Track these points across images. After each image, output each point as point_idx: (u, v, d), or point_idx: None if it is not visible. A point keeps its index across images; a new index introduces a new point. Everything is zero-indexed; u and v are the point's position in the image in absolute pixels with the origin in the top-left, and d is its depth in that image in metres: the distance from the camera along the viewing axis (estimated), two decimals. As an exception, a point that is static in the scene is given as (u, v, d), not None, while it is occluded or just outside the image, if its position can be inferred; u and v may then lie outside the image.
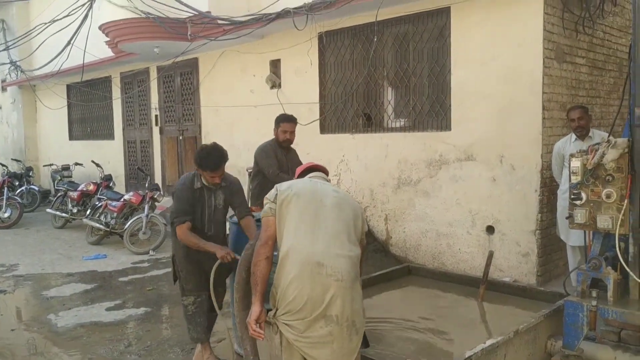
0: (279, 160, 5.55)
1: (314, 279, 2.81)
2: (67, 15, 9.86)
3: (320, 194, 3.07)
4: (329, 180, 3.38)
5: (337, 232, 2.95)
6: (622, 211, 3.36)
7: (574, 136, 5.51)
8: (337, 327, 2.81)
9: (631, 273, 3.38)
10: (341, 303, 2.81)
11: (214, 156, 4.06)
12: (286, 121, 5.65)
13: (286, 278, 2.85)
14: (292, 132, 5.65)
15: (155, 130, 11.29)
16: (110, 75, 12.27)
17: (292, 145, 5.80)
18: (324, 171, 3.42)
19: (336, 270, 2.82)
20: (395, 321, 4.18)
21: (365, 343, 3.56)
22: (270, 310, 2.99)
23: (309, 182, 3.19)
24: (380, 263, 6.66)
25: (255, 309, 2.94)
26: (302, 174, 3.39)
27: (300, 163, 5.54)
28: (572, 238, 5.39)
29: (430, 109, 6.72)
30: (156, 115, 11.20)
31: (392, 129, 7.18)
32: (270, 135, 5.80)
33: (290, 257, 2.87)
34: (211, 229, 4.21)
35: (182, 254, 4.20)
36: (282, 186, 3.12)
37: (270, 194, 3.10)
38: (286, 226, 2.96)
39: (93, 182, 10.54)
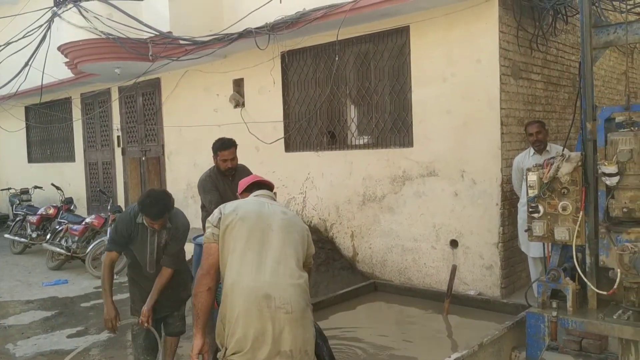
0: (221, 190, 5.15)
1: (262, 313, 2.65)
2: (25, 36, 9.68)
3: (267, 216, 2.91)
4: (274, 196, 3.24)
5: (285, 258, 2.80)
6: (578, 223, 3.47)
7: (532, 150, 5.66)
8: None
9: (588, 283, 3.47)
10: (292, 336, 2.67)
11: (158, 207, 3.84)
12: (224, 149, 5.16)
13: (232, 313, 2.68)
14: (234, 159, 5.23)
15: (118, 152, 11.11)
16: (71, 97, 12.05)
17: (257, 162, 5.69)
18: (270, 186, 3.28)
19: (285, 302, 2.68)
20: (362, 338, 4.19)
21: (332, 361, 3.55)
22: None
23: (255, 204, 3.01)
24: (348, 280, 6.65)
25: (197, 342, 2.79)
26: (247, 189, 3.25)
27: None
28: (533, 250, 5.50)
29: (392, 126, 6.82)
30: (118, 136, 11.03)
31: (356, 146, 7.24)
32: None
33: (235, 291, 2.69)
34: (153, 267, 4.06)
35: (128, 277, 4.20)
36: (226, 209, 2.92)
37: (213, 218, 2.90)
38: (230, 254, 2.78)
39: (53, 206, 10.27)
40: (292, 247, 2.85)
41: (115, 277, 7.96)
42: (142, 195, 3.93)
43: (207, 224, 2.93)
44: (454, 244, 6.22)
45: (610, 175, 3.25)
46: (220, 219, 2.86)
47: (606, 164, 3.25)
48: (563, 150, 3.79)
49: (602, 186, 3.37)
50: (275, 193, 3.33)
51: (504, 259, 5.92)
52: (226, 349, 2.71)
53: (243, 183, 3.33)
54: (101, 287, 4.04)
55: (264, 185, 3.26)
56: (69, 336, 5.78)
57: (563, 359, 3.68)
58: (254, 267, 2.73)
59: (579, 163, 3.50)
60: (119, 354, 5.18)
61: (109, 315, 3.98)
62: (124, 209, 9.70)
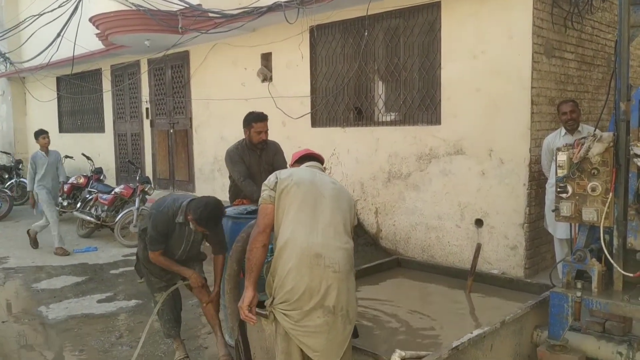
0: (248, 163, 5.22)
1: (312, 270, 2.85)
2: (58, 7, 9.80)
3: (320, 184, 3.09)
4: (324, 170, 3.40)
5: (335, 223, 2.99)
6: (607, 204, 3.42)
7: (563, 130, 5.56)
8: (333, 317, 2.88)
9: (615, 265, 3.44)
10: (337, 294, 2.88)
11: (215, 220, 3.94)
12: (259, 121, 5.18)
13: (284, 268, 2.88)
14: (266, 132, 5.26)
15: (146, 123, 11.27)
16: (101, 68, 12.21)
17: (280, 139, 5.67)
18: (320, 159, 3.44)
19: (334, 262, 2.88)
20: (384, 312, 4.23)
21: (355, 334, 3.62)
22: (265, 299, 3.03)
23: (308, 172, 3.19)
24: (371, 256, 6.70)
25: (248, 294, 2.98)
26: (299, 161, 3.40)
27: (279, 157, 5.39)
28: (559, 231, 5.45)
29: (420, 102, 6.77)
30: (147, 108, 11.18)
31: (383, 123, 7.22)
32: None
33: (288, 247, 2.89)
34: (183, 256, 4.22)
35: (143, 257, 4.26)
36: (282, 174, 3.11)
37: (270, 181, 3.09)
38: (285, 215, 2.97)
39: (83, 175, 10.51)
40: (340, 214, 3.05)
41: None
42: (198, 207, 3.86)
43: (263, 187, 3.10)
44: (479, 223, 6.20)
45: (642, 156, 3.19)
46: (276, 182, 3.05)
47: (639, 145, 3.19)
48: (595, 130, 3.72)
49: (633, 168, 3.31)
50: (325, 168, 3.45)
51: (529, 239, 5.89)
52: (274, 299, 2.94)
53: (296, 155, 3.49)
54: (171, 269, 4.16)
55: (314, 158, 3.42)
56: (99, 301, 5.97)
57: (585, 339, 3.68)
58: (307, 228, 2.93)
59: (611, 144, 3.44)
60: (146, 319, 5.29)
61: (200, 281, 4.19)
62: (152, 180, 9.90)
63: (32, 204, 8.35)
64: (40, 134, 8.41)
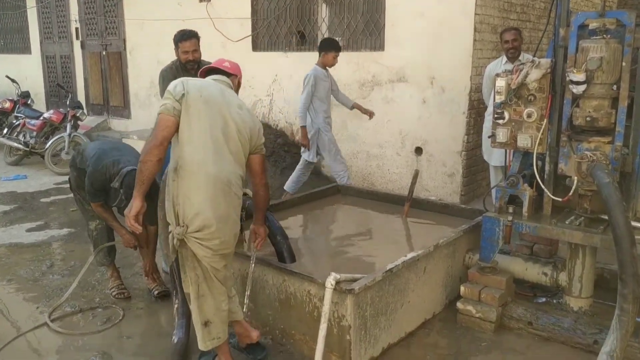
0: None
1: (226, 197, 2.84)
2: None
3: (227, 106, 2.91)
4: (231, 85, 3.13)
5: (236, 151, 2.91)
6: (541, 130, 3.47)
7: (504, 58, 5.55)
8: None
9: (545, 189, 3.54)
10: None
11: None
12: (184, 39, 4.80)
13: (197, 195, 2.78)
14: (196, 50, 4.89)
15: (77, 45, 10.56)
16: (23, -18, 11.25)
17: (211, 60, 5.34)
18: (228, 71, 3.15)
19: (237, 189, 2.92)
20: (322, 237, 4.26)
21: (292, 258, 3.63)
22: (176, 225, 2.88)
23: (217, 89, 2.96)
24: (313, 184, 6.69)
25: (137, 204, 2.84)
26: (206, 74, 3.16)
27: None
28: (494, 158, 5.55)
29: (364, 28, 6.59)
30: (77, 28, 10.44)
31: (326, 48, 7.00)
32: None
33: (201, 172, 2.78)
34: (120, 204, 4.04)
35: (75, 185, 4.10)
36: (190, 86, 2.85)
37: (176, 91, 2.82)
38: (189, 133, 2.80)
39: (9, 99, 9.84)
40: (240, 143, 2.93)
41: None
42: (130, 188, 3.38)
43: (167, 95, 2.84)
44: (418, 151, 6.25)
45: (577, 83, 3.21)
46: (183, 95, 2.81)
47: (575, 71, 3.20)
48: (534, 57, 3.72)
49: (568, 94, 3.34)
50: (236, 76, 3.19)
51: (466, 167, 6.00)
52: (187, 227, 2.81)
53: (204, 69, 3.23)
54: (108, 223, 4.05)
55: (222, 71, 3.14)
56: (29, 230, 5.74)
57: (514, 261, 3.84)
58: (217, 154, 2.83)
59: (548, 70, 3.45)
60: (79, 248, 5.17)
61: (132, 243, 4.05)
62: (84, 105, 9.42)
63: (306, 145, 5.86)
64: (331, 49, 5.73)
